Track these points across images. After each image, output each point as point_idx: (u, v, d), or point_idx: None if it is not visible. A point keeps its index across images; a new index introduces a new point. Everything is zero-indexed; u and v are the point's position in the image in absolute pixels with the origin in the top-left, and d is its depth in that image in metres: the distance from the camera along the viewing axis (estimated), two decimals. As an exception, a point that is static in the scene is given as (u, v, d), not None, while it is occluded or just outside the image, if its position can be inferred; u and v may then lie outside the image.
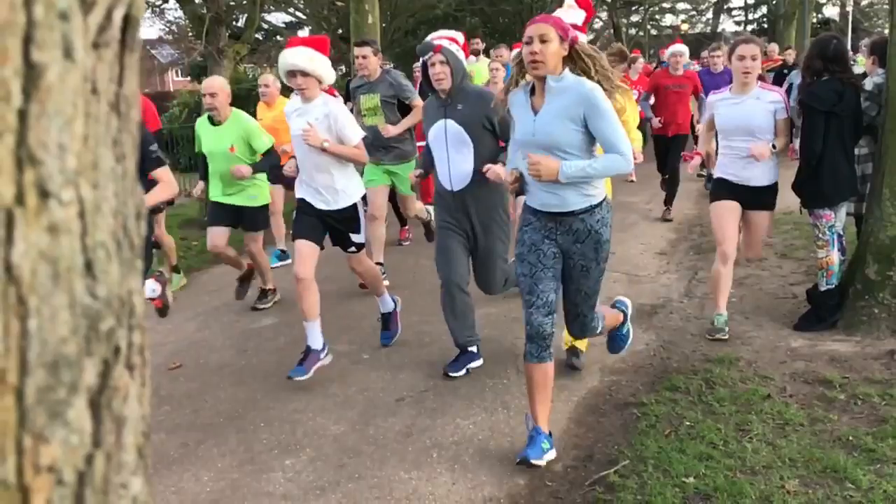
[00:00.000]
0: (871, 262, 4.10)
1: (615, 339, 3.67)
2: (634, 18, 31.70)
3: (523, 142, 2.87)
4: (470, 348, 3.87)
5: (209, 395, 3.79)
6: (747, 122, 4.05)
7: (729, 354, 3.88)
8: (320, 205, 3.91)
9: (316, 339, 3.80)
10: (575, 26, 3.65)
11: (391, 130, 5.35)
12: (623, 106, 3.49)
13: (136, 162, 0.37)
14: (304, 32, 19.31)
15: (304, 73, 3.66)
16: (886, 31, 4.47)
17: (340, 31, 17.19)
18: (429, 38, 3.80)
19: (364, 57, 5.39)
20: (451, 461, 3.01)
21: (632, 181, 9.07)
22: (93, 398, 0.33)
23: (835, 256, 4.19)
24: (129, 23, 0.35)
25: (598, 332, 3.24)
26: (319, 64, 3.69)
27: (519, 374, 3.81)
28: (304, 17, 18.23)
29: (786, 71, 10.40)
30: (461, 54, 3.69)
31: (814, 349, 3.94)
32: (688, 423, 3.16)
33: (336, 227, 3.97)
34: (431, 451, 3.10)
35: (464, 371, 3.84)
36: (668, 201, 7.58)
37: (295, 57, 3.64)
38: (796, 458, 2.85)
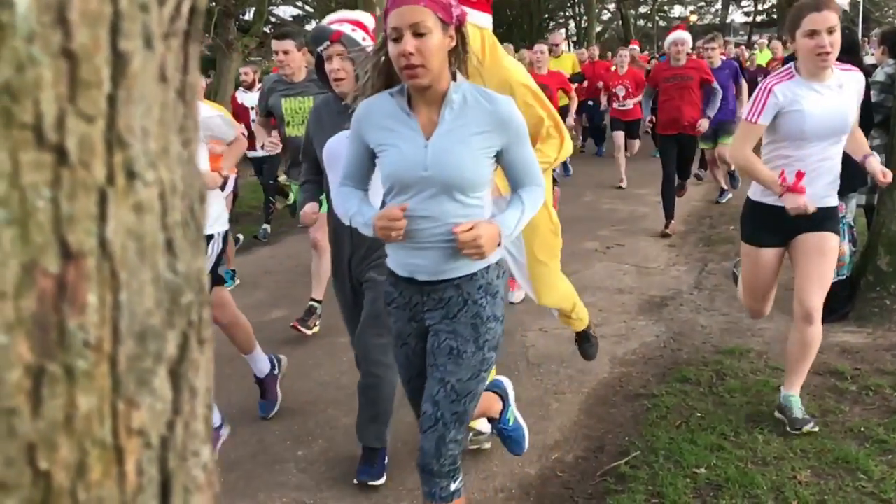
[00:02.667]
0: (882, 254, 4.10)
1: (504, 435, 2.71)
2: (643, 10, 31.57)
3: (406, 180, 1.92)
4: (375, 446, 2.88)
5: (221, 386, 3.82)
6: (842, 121, 2.85)
7: (739, 346, 3.89)
8: None
9: (262, 363, 3.48)
10: (463, 1, 2.24)
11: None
12: (540, 115, 2.62)
13: (197, 148, 0.39)
14: (311, 27, 19.33)
15: None
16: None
17: (348, 24, 17.16)
18: (326, 20, 2.98)
19: (286, 52, 4.52)
20: (462, 452, 3.02)
21: (620, 187, 8.83)
22: (172, 368, 0.35)
23: (845, 247, 4.18)
24: (193, 14, 0.37)
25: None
26: None
27: (529, 367, 3.83)
28: (311, 10, 18.25)
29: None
30: (368, 44, 2.82)
31: (825, 340, 3.92)
32: (699, 415, 3.17)
33: None
34: (443, 442, 3.12)
35: (382, 479, 2.86)
36: (681, 187, 6.93)
37: None
38: (808, 449, 2.85)
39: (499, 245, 1.92)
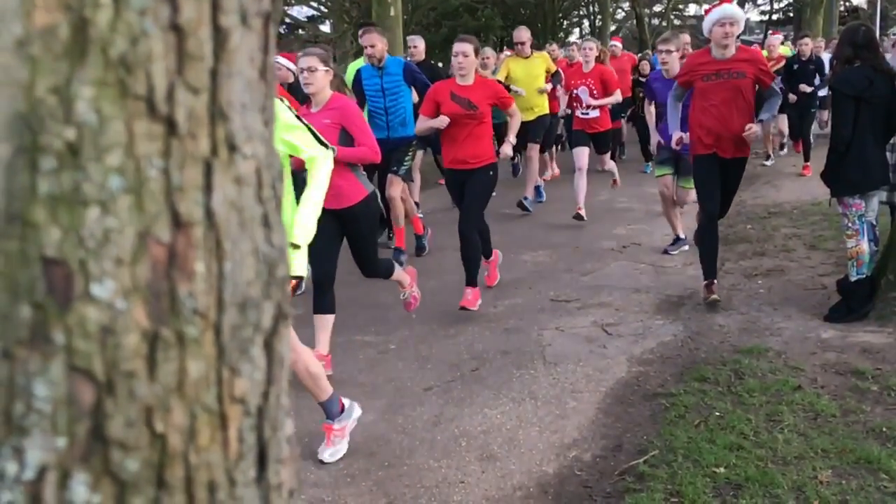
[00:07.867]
0: (903, 254, 4.03)
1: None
2: (657, 8, 31.43)
3: None
4: None
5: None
6: None
7: (758, 345, 3.86)
8: None
9: None
10: None
11: None
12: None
13: (274, 128, 0.40)
14: (325, 27, 19.39)
15: None
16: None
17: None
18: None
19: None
20: (480, 450, 3.03)
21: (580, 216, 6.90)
22: (267, 339, 0.36)
23: (865, 246, 4.14)
24: None
25: None
26: None
27: (546, 365, 3.82)
28: (325, 10, 18.30)
29: (796, 67, 8.83)
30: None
31: (845, 340, 3.91)
32: (717, 414, 3.15)
33: None
34: (460, 439, 3.12)
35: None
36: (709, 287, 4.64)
37: None
38: (829, 448, 2.83)
39: None
